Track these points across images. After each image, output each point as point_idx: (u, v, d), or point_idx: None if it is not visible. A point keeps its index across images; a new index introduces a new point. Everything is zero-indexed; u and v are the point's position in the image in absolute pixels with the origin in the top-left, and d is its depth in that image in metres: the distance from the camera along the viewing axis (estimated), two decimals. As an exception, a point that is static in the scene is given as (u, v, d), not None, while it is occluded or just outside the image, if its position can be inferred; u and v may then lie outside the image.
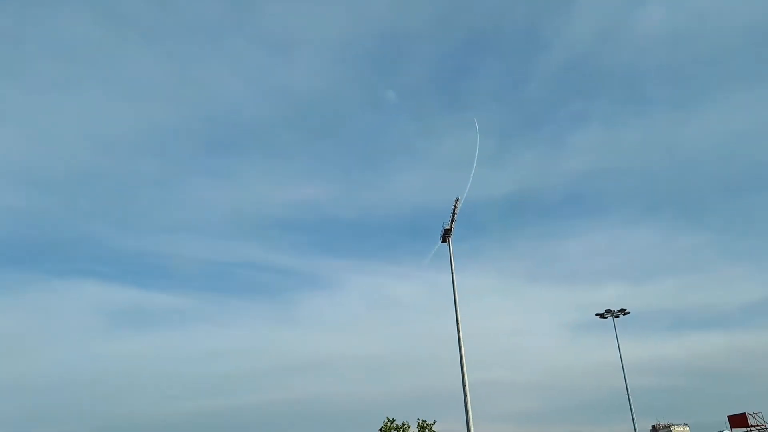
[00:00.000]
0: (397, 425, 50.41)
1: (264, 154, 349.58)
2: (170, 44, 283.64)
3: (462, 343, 30.09)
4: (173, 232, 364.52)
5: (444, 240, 40.35)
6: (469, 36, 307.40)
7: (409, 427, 50.36)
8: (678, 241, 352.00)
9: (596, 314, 53.65)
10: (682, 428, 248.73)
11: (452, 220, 39.39)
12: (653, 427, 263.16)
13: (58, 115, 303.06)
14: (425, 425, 50.05)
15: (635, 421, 48.54)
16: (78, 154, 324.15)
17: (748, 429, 57.01)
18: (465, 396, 28.86)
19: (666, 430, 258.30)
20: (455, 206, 39.14)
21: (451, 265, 37.51)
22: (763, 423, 56.57)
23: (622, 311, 53.13)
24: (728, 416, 61.11)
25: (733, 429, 61.09)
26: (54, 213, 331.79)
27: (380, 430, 50.47)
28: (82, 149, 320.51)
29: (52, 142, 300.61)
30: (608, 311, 53.28)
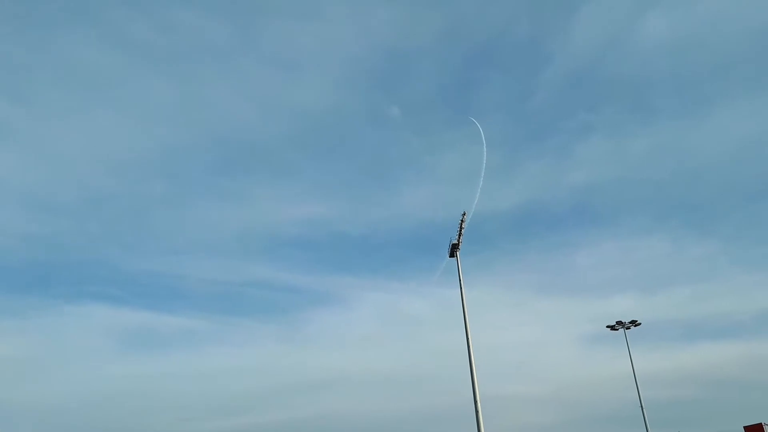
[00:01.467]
0: (409, 442, 50.17)
1: (272, 173, 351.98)
2: (177, 66, 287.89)
3: (472, 358, 30.12)
4: (183, 253, 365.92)
5: (452, 255, 40.44)
6: (472, 50, 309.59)
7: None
8: (689, 250, 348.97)
9: (607, 326, 53.43)
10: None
11: (459, 235, 39.52)
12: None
13: (69, 140, 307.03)
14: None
15: (650, 433, 48.11)
16: (89, 177, 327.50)
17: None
18: (477, 411, 28.85)
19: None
20: (462, 220, 39.30)
21: (460, 280, 37.63)
22: (781, 433, 55.94)
23: (633, 323, 52.87)
24: (744, 427, 60.42)
25: (749, 440, 60.41)
26: (65, 237, 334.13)
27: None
28: (93, 172, 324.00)
29: (63, 166, 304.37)
30: (619, 323, 53.04)
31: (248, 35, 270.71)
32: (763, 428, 57.09)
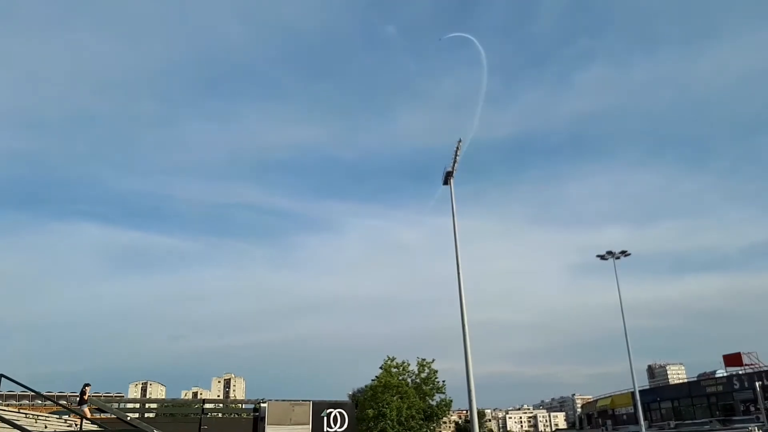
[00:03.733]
0: (397, 363, 51.50)
1: (260, 95, 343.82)
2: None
3: (462, 286, 30.05)
4: (173, 174, 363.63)
5: (445, 182, 39.73)
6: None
7: (408, 365, 51.47)
8: (682, 184, 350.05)
9: (597, 255, 53.72)
10: (677, 368, 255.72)
11: (454, 162, 38.58)
12: (649, 366, 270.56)
13: (51, 56, 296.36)
14: (425, 363, 51.12)
15: (632, 360, 49.40)
16: (73, 95, 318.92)
17: (743, 368, 58.10)
18: (464, 335, 29.08)
19: (662, 369, 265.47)
20: (458, 147, 38.29)
21: (452, 209, 37.04)
22: (757, 362, 57.61)
23: (623, 253, 53.10)
24: (723, 356, 62.24)
25: (727, 368, 62.30)
26: (52, 155, 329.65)
27: (381, 368, 51.61)
28: (78, 91, 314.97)
29: (46, 83, 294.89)
30: (609, 253, 53.27)
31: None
32: (741, 357, 58.78)
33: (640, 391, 52.76)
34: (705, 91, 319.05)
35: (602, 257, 53.44)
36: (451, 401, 50.44)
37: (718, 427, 52.03)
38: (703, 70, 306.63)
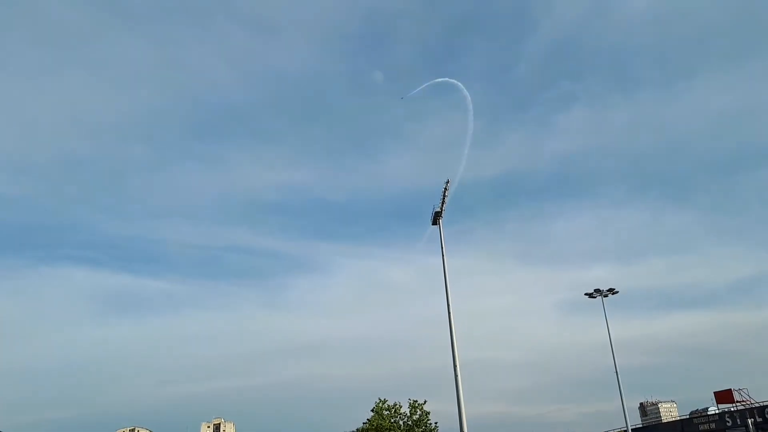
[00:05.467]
0: (388, 406, 50.82)
1: (251, 138, 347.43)
2: (152, 27, 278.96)
3: (453, 326, 30.23)
4: (162, 217, 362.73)
5: (434, 222, 40.24)
6: (457, 17, 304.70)
7: (400, 407, 50.77)
8: (666, 221, 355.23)
9: (585, 294, 54.13)
10: (669, 405, 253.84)
11: (443, 203, 39.22)
12: (641, 404, 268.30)
13: (43, 101, 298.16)
14: (416, 405, 50.48)
15: (624, 398, 49.27)
16: (64, 140, 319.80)
17: (734, 405, 58.01)
18: (456, 376, 29.08)
19: (654, 407, 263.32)
20: (446, 188, 38.97)
21: (442, 248, 37.49)
22: (749, 399, 57.58)
23: (611, 290, 53.63)
24: (714, 392, 62.12)
25: (719, 405, 62.13)
26: (41, 199, 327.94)
27: (372, 411, 50.88)
28: (68, 135, 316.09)
29: (37, 128, 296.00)
30: (597, 291, 53.76)
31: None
32: (732, 394, 58.75)
33: (633, 430, 52.40)
34: (683, 131, 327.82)
35: (590, 295, 53.87)
36: (444, 444, 49.70)
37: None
38: (681, 111, 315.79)
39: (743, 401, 57.70)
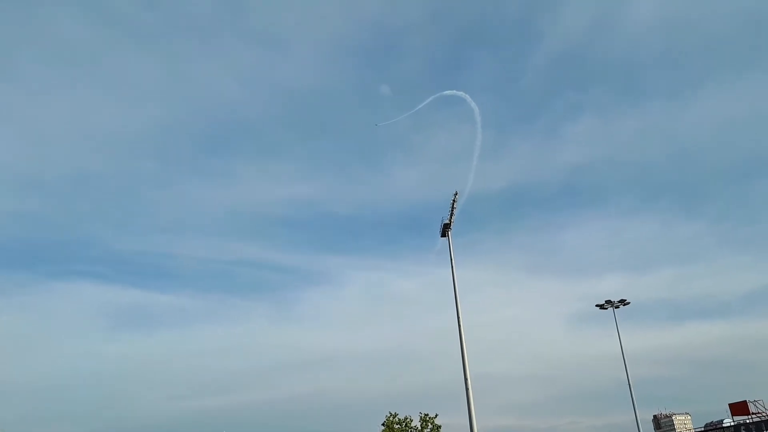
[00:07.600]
0: (399, 419, 50.57)
1: (260, 153, 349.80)
2: (162, 43, 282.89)
3: (463, 338, 30.15)
4: (172, 232, 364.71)
5: (443, 234, 40.30)
6: (462, 29, 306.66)
7: (411, 421, 50.50)
8: (677, 230, 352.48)
9: (596, 305, 53.78)
10: (683, 417, 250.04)
11: (451, 215, 39.29)
12: (655, 416, 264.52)
13: (55, 117, 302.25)
14: (427, 419, 50.18)
15: (637, 411, 48.71)
16: (75, 156, 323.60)
17: (749, 416, 57.25)
18: (467, 389, 28.95)
19: (668, 419, 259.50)
20: (454, 200, 39.03)
21: (451, 260, 37.51)
22: (764, 410, 56.80)
23: (623, 302, 53.23)
24: (729, 404, 61.41)
25: (734, 417, 61.34)
26: (53, 215, 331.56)
27: (383, 424, 50.62)
28: (80, 151, 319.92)
29: (49, 144, 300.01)
30: (608, 302, 53.38)
31: (233, 12, 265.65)
32: (747, 405, 58.00)
33: (647, 443, 51.76)
34: (693, 140, 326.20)
35: (601, 306, 53.51)
36: (456, 457, 49.36)
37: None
38: (690, 119, 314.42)
39: (759, 413, 56.94)
